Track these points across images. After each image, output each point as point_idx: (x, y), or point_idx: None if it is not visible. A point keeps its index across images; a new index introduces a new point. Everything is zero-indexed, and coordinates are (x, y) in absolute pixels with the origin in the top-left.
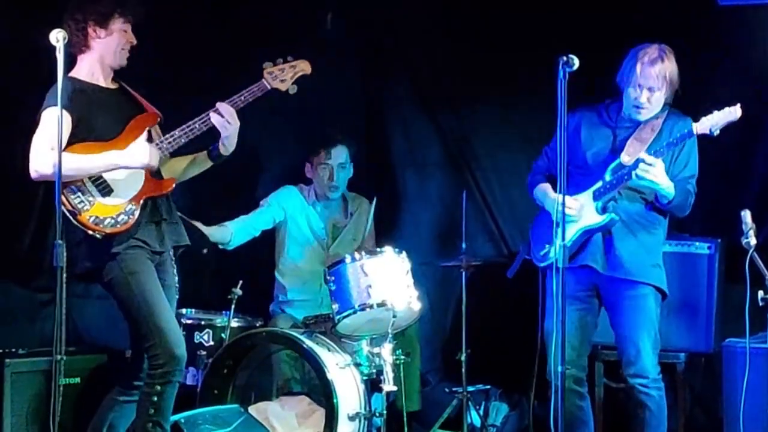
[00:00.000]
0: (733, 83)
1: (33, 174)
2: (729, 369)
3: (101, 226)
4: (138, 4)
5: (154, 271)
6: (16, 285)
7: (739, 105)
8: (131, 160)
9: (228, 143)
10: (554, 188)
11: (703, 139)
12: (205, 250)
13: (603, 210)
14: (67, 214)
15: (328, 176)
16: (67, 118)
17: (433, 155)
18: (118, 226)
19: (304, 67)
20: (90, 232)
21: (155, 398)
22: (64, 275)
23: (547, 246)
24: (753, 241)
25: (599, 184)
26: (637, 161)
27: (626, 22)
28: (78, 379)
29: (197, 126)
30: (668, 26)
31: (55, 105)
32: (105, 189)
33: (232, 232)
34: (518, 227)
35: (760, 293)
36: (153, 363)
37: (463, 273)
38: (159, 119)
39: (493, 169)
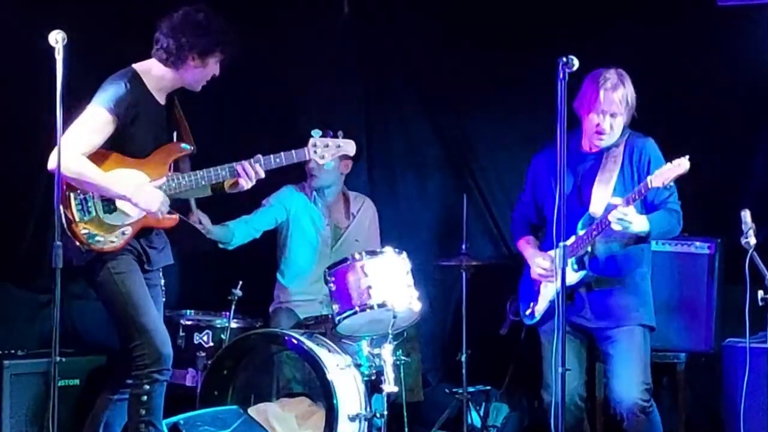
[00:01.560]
0: (731, 83)
1: (50, 166)
2: (729, 369)
3: (90, 241)
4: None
5: (140, 272)
6: (16, 286)
7: (687, 157)
8: (138, 200)
9: (236, 190)
10: (536, 236)
11: (702, 137)
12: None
13: (579, 264)
14: (63, 219)
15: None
16: (111, 126)
17: (434, 155)
18: (106, 246)
19: (349, 149)
20: (77, 243)
21: (144, 398)
22: (59, 276)
23: (531, 304)
24: (753, 240)
25: (572, 239)
26: (607, 209)
27: (626, 23)
28: (77, 381)
29: (222, 174)
30: (668, 27)
31: (103, 105)
32: (109, 207)
33: (234, 233)
34: None
35: (760, 293)
36: (139, 363)
37: (464, 273)
38: (191, 151)
39: (493, 169)
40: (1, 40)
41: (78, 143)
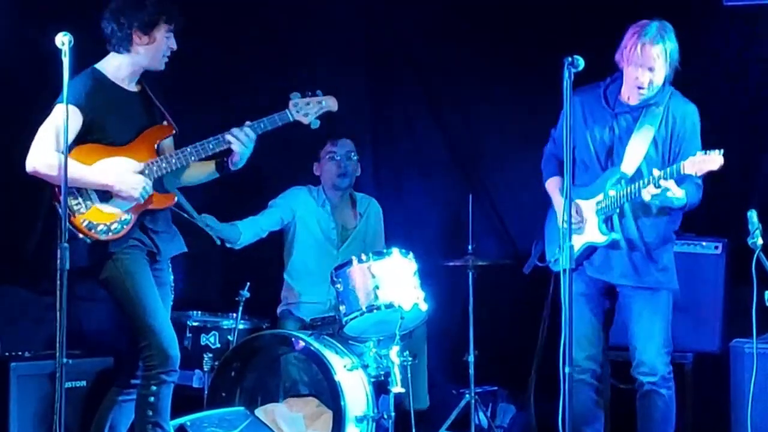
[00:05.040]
0: (738, 83)
1: (28, 168)
2: (736, 369)
3: (93, 231)
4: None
5: (149, 271)
6: (22, 288)
7: (722, 153)
8: (121, 187)
9: (238, 161)
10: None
11: (708, 138)
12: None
13: (606, 225)
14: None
15: (336, 165)
16: (78, 117)
17: (439, 155)
18: (110, 234)
19: (330, 104)
20: (80, 236)
21: (152, 399)
22: (65, 277)
23: (557, 250)
24: (760, 241)
25: (601, 197)
26: (638, 173)
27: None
28: (84, 383)
29: (210, 146)
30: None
31: (65, 102)
32: (104, 195)
33: (241, 232)
34: (525, 227)
35: (767, 293)
36: (147, 364)
37: (470, 273)
38: (173, 132)
39: (499, 169)
40: (7, 41)
41: (50, 140)
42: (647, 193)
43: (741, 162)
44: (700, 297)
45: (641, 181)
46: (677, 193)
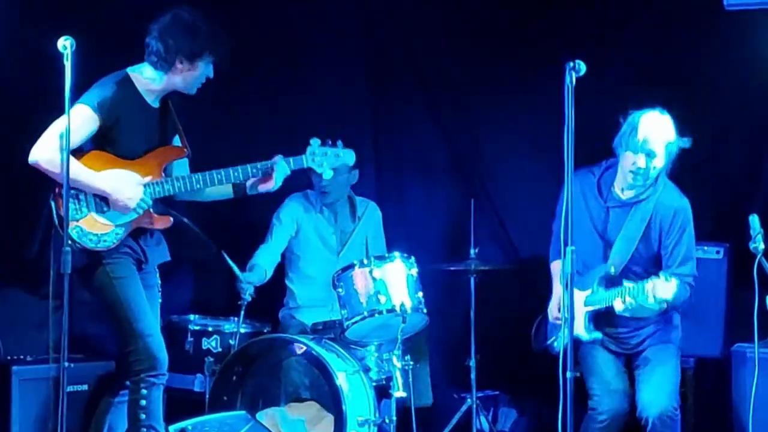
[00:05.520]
0: (739, 87)
1: (30, 159)
2: (738, 374)
3: (82, 240)
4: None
5: (138, 277)
6: (23, 292)
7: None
8: (117, 196)
9: (258, 191)
10: None
11: (711, 142)
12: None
13: (593, 324)
14: (54, 217)
15: (318, 179)
16: (95, 122)
17: (441, 160)
18: (99, 246)
19: (347, 159)
20: (69, 242)
21: (143, 402)
22: (67, 281)
23: (553, 337)
24: (761, 245)
25: (590, 291)
26: (625, 272)
27: (634, 28)
28: (85, 386)
29: (222, 177)
30: (675, 31)
31: (87, 104)
32: (102, 205)
33: (265, 269)
34: (527, 232)
35: None
36: (135, 368)
37: (472, 278)
38: (186, 155)
39: (501, 173)
40: (9, 45)
41: (56, 141)
42: (618, 308)
43: (743, 167)
44: (702, 302)
45: (617, 293)
46: (649, 304)
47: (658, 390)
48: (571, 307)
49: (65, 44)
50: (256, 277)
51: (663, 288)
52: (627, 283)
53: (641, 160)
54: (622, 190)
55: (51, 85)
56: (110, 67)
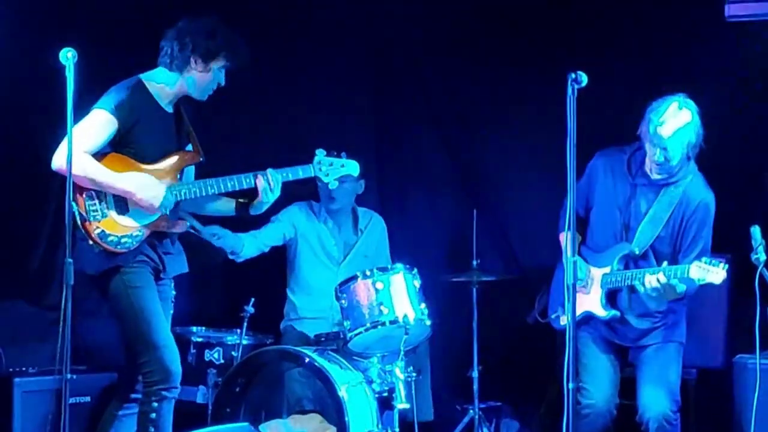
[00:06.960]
0: (740, 97)
1: (54, 165)
2: (739, 384)
3: (103, 241)
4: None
5: (155, 287)
6: (27, 303)
7: (726, 269)
8: (142, 196)
9: (261, 207)
10: (581, 231)
11: (712, 153)
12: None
13: (609, 301)
14: (76, 217)
15: (325, 187)
16: (113, 126)
17: (444, 171)
18: (119, 248)
19: (352, 170)
20: (90, 242)
21: (153, 415)
22: (70, 293)
23: (559, 309)
24: (763, 256)
25: (608, 269)
26: (647, 253)
27: (636, 38)
28: (88, 398)
29: (234, 183)
30: (677, 41)
31: (105, 108)
32: (122, 206)
33: (244, 243)
34: (529, 243)
35: None
36: (148, 380)
37: (474, 289)
38: (200, 160)
39: (503, 185)
40: (13, 56)
41: (80, 142)
42: (648, 284)
43: (744, 178)
44: (704, 313)
45: (647, 270)
46: (677, 288)
47: (658, 393)
48: (573, 312)
49: (67, 55)
50: (231, 239)
51: (713, 274)
52: (662, 276)
53: (657, 154)
54: (651, 170)
55: (54, 95)
56: (113, 75)
